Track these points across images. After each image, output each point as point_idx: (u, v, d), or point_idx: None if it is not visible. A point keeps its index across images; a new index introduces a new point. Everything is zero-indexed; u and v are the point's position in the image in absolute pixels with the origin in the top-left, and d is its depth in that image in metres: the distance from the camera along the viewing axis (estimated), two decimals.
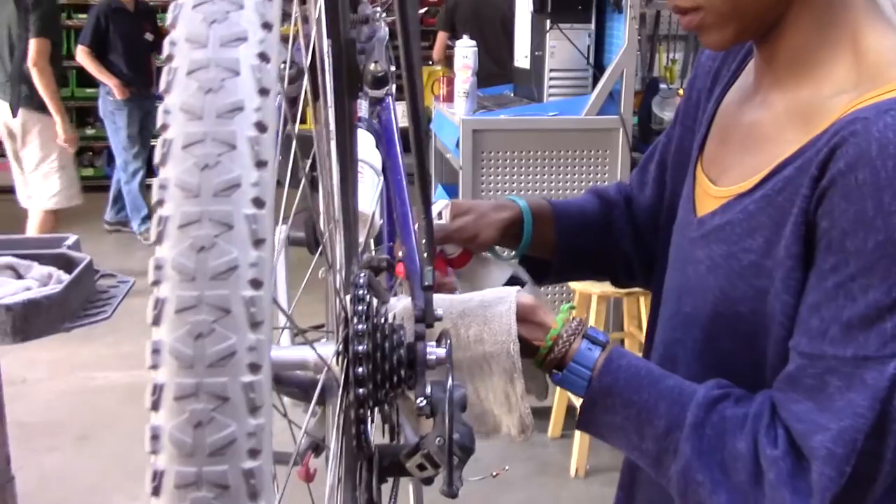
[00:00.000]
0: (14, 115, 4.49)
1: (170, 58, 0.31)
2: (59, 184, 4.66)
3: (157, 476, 0.30)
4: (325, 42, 0.70)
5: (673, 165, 1.10)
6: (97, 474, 3.07)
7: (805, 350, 0.80)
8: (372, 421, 0.71)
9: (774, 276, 0.84)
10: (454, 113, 3.28)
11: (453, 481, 0.65)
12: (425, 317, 0.67)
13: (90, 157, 7.40)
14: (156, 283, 0.29)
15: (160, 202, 0.29)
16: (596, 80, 3.20)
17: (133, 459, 2.85)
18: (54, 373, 3.85)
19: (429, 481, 0.72)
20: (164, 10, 6.05)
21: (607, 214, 1.17)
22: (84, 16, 6.44)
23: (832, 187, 0.77)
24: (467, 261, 1.10)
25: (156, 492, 0.31)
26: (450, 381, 0.62)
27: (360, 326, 0.60)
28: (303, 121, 0.81)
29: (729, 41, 0.89)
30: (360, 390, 0.60)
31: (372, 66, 0.88)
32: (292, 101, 0.78)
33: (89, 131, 7.21)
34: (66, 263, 1.09)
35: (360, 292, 0.61)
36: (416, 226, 0.86)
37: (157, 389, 0.30)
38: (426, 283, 0.68)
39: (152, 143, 5.86)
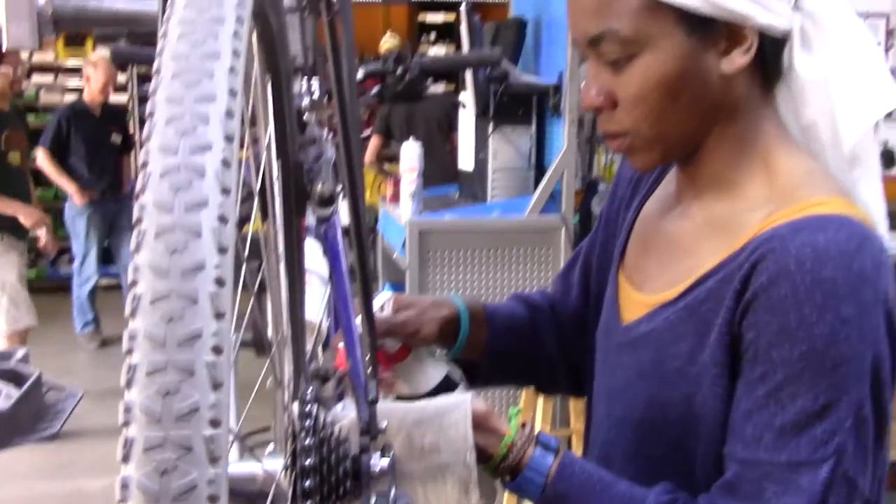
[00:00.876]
0: None
1: (139, 221, 0.36)
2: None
3: None
4: (275, 163, 0.75)
5: (597, 269, 1.16)
6: None
7: (741, 457, 0.84)
8: None
9: (700, 383, 0.89)
10: (400, 214, 3.35)
11: None
12: (370, 429, 0.71)
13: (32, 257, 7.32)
14: (125, 423, 0.32)
15: (129, 351, 0.33)
16: (538, 181, 3.31)
17: None
18: None
19: None
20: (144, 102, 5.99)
21: (533, 319, 1.20)
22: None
23: (756, 300, 0.83)
24: (405, 356, 1.13)
25: None
26: (393, 492, 0.65)
27: (307, 441, 0.63)
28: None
29: (655, 163, 0.96)
30: (308, 502, 0.63)
31: (319, 187, 0.92)
32: (243, 221, 0.83)
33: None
34: (15, 378, 1.10)
35: (307, 408, 0.65)
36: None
37: None
38: (371, 398, 0.72)
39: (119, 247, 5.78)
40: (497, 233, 3.21)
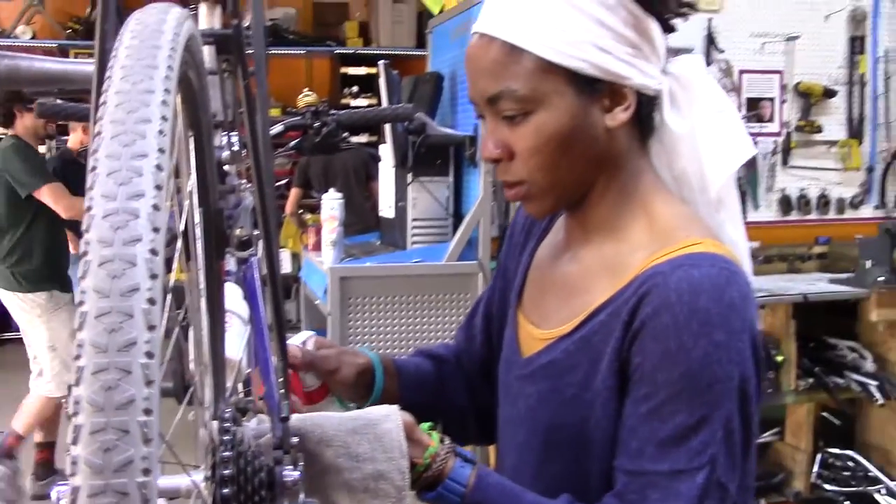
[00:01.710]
0: None
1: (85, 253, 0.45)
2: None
3: None
4: (197, 210, 0.83)
5: (498, 315, 1.26)
6: None
7: (627, 468, 0.94)
8: None
9: (594, 406, 0.99)
10: (322, 262, 3.43)
11: None
12: (282, 444, 0.79)
13: None
14: (72, 475, 0.40)
15: (75, 414, 0.41)
16: (455, 228, 3.42)
17: None
18: None
19: None
20: None
21: (439, 372, 1.29)
22: None
23: (643, 329, 0.94)
24: (324, 396, 1.21)
25: None
26: (301, 497, 0.73)
27: (226, 453, 0.71)
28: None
29: (549, 210, 1.07)
30: None
31: (238, 231, 1.00)
32: (167, 263, 0.90)
33: None
34: None
35: (226, 424, 0.73)
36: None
37: None
38: (283, 415, 0.81)
39: None
40: (416, 278, 3.30)
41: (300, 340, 1.22)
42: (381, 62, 3.57)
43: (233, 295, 1.28)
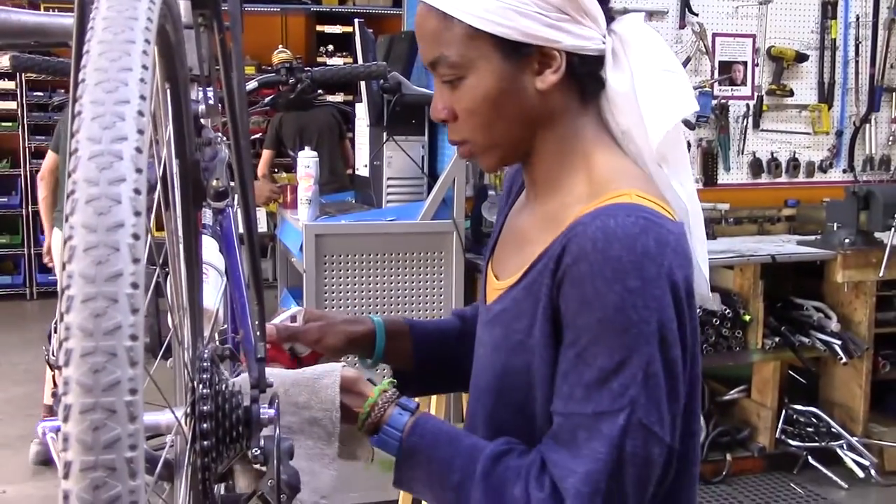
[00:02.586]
0: None
1: (72, 192, 0.48)
2: None
3: None
4: (174, 161, 0.85)
5: None
6: None
7: (560, 411, 0.99)
8: (215, 477, 0.85)
9: (535, 352, 1.03)
10: (297, 219, 3.45)
11: None
12: (259, 384, 0.83)
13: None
14: (64, 394, 0.43)
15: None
16: (430, 188, 3.45)
17: None
18: None
19: None
20: None
21: (462, 328, 1.36)
22: None
23: (565, 277, 0.98)
24: (315, 361, 1.27)
25: None
26: (277, 433, 0.77)
27: (204, 391, 0.75)
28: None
29: (496, 165, 1.13)
30: (206, 443, 0.75)
31: (214, 182, 1.02)
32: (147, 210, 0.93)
33: None
34: None
35: (205, 364, 0.76)
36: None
37: None
38: (259, 356, 0.84)
39: None
40: (391, 237, 3.34)
41: (289, 315, 1.29)
42: (356, 21, 3.57)
43: (210, 248, 1.31)
